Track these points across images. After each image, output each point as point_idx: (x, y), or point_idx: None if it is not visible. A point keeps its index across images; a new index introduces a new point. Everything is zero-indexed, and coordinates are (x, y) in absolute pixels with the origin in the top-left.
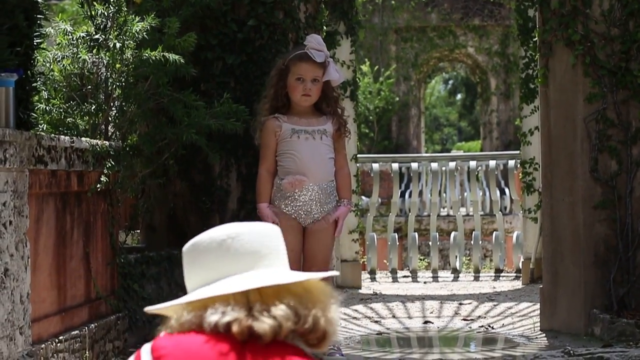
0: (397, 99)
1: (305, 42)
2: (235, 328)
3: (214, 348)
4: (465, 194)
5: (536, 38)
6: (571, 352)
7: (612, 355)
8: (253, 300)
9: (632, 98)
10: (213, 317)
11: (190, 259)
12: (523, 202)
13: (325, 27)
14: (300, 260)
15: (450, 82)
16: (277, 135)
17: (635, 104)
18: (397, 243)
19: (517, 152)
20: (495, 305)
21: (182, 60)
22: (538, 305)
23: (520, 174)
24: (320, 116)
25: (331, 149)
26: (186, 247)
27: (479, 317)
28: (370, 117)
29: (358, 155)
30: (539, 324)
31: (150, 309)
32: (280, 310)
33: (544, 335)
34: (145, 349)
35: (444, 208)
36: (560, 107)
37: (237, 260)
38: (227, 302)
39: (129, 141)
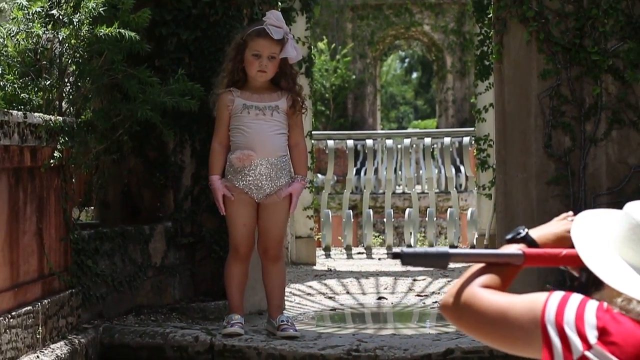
0: (354, 76)
1: (264, 17)
2: None
3: None
4: (421, 171)
5: (491, 15)
6: None
7: None
8: None
9: (586, 74)
10: None
11: None
12: (477, 179)
13: (280, 3)
14: (254, 234)
15: (407, 60)
16: (230, 110)
17: (589, 80)
18: (352, 220)
19: (472, 129)
20: (449, 281)
21: (136, 37)
22: None
23: (475, 151)
24: (275, 92)
25: (283, 125)
26: None
27: (433, 293)
28: (327, 95)
29: (313, 132)
30: None
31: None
32: None
33: None
34: (591, 312)
35: (399, 186)
36: (514, 83)
37: None
38: None
39: (83, 117)
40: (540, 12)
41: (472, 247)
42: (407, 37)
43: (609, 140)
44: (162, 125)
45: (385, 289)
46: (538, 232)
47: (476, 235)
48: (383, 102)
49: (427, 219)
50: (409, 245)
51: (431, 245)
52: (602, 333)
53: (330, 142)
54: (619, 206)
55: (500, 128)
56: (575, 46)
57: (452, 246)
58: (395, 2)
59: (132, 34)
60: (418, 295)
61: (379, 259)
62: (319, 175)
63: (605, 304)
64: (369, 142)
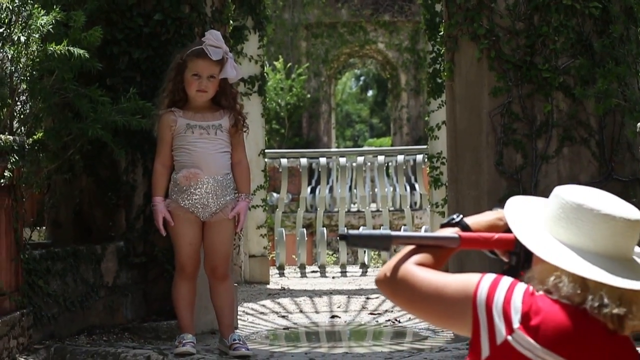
0: (309, 95)
1: (203, 38)
2: (612, 322)
3: (587, 332)
4: (376, 189)
5: (442, 33)
6: None
7: None
8: (628, 299)
9: (537, 92)
10: (595, 303)
11: (587, 218)
12: (430, 197)
13: (232, 22)
14: (199, 253)
15: (362, 78)
16: (172, 130)
17: (540, 97)
18: (306, 238)
19: (425, 147)
20: None
21: (87, 55)
22: None
23: (428, 169)
24: (217, 110)
25: (226, 144)
26: (589, 203)
27: (386, 311)
28: (282, 114)
29: (267, 151)
30: None
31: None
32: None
33: None
34: (518, 296)
35: (354, 204)
36: (465, 101)
37: (631, 246)
38: (600, 289)
39: (34, 136)
40: (491, 30)
41: None
42: (362, 55)
43: (561, 157)
44: (114, 145)
45: (339, 307)
46: (472, 219)
47: None
48: (338, 120)
49: None
50: (363, 264)
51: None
52: (525, 318)
53: (284, 161)
54: None
55: (452, 146)
56: (526, 63)
57: None
58: (350, 21)
59: (82, 51)
60: (371, 314)
61: (333, 277)
62: (274, 194)
63: (531, 288)
64: (323, 160)
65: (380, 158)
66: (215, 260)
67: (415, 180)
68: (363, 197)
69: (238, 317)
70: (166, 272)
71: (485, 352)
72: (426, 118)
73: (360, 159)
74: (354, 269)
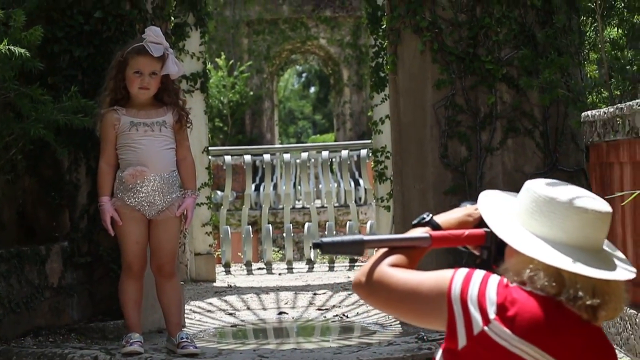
0: (251, 92)
1: (143, 34)
2: (587, 312)
3: (562, 322)
4: (320, 185)
5: (385, 26)
6: (425, 337)
7: None
8: (601, 290)
9: (481, 84)
10: (570, 295)
11: (559, 210)
12: (375, 191)
13: (173, 18)
14: (146, 252)
15: (304, 75)
16: (116, 128)
17: (484, 89)
18: (252, 236)
19: (369, 141)
20: (349, 294)
21: (27, 54)
22: None
23: (372, 164)
24: (160, 107)
25: (171, 140)
26: (561, 196)
27: (334, 306)
28: (224, 111)
29: (210, 148)
30: None
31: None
32: (614, 305)
33: (397, 322)
34: (492, 288)
35: (299, 200)
36: (409, 94)
37: (601, 238)
38: (575, 281)
39: None
40: (433, 22)
41: None
42: (304, 51)
43: (505, 149)
44: (56, 144)
45: (286, 303)
46: (441, 218)
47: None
48: (281, 117)
49: (326, 232)
50: (309, 260)
51: (331, 259)
52: (501, 309)
53: (228, 158)
54: None
55: (397, 139)
56: (469, 55)
57: (352, 260)
58: (291, 17)
59: (22, 50)
60: (319, 309)
61: (279, 274)
62: (218, 192)
63: (505, 280)
64: (267, 157)
65: (325, 154)
66: (162, 258)
67: (360, 176)
68: (308, 194)
69: (185, 315)
70: (112, 271)
71: (462, 342)
72: (369, 113)
73: (305, 155)
74: (300, 265)
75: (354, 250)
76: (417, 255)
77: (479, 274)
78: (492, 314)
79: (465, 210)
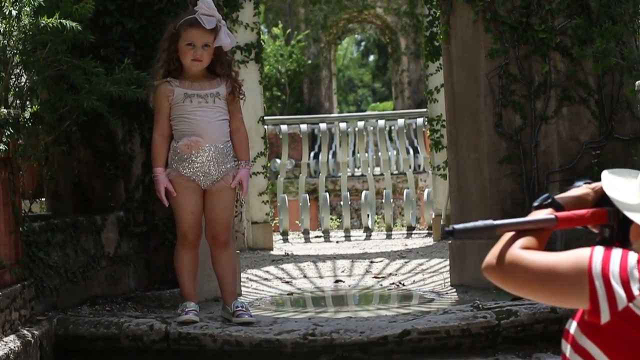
0: (309, 61)
1: (196, 7)
2: None
3: None
4: (379, 153)
5: None
6: (480, 305)
7: (521, 307)
8: None
9: (534, 52)
10: None
11: None
12: (432, 159)
13: None
14: (201, 221)
15: (363, 43)
16: (170, 100)
17: (537, 58)
18: (309, 204)
19: (425, 110)
20: (406, 262)
21: (79, 27)
22: (449, 261)
23: (428, 132)
24: (213, 79)
25: (225, 111)
26: None
27: (390, 274)
28: (282, 80)
29: (266, 118)
30: (449, 280)
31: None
32: None
33: (454, 290)
34: (633, 264)
35: (358, 168)
36: (462, 63)
37: None
38: None
39: (30, 109)
40: None
41: (430, 227)
42: (361, 21)
43: (560, 117)
44: (110, 115)
45: (343, 271)
46: (561, 197)
47: (433, 216)
48: (341, 85)
49: (383, 200)
50: (367, 228)
51: (389, 226)
52: None
53: (284, 127)
54: (572, 183)
55: (451, 108)
56: (522, 25)
57: (409, 227)
58: None
59: (74, 24)
60: (375, 277)
61: (337, 242)
62: (277, 160)
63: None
64: (323, 125)
65: (381, 122)
66: (217, 227)
67: (417, 144)
68: (365, 162)
69: (241, 284)
70: (167, 240)
71: (606, 317)
72: (426, 81)
73: (361, 124)
74: (358, 233)
75: (485, 234)
76: (544, 237)
77: (617, 251)
78: (636, 290)
79: (582, 190)
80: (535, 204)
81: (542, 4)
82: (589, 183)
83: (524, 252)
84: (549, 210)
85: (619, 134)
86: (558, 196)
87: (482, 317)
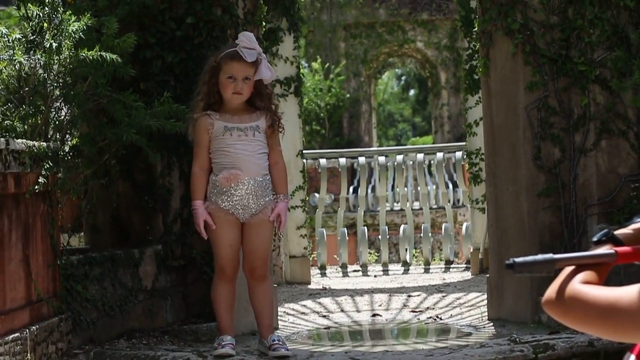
0: (348, 95)
1: (237, 40)
2: None
3: None
4: (419, 187)
5: (477, 28)
6: (517, 339)
7: (558, 341)
8: None
9: (573, 85)
10: None
11: None
12: (470, 193)
13: (265, 23)
14: (239, 255)
15: (403, 78)
16: (210, 133)
17: (577, 91)
18: (347, 238)
19: (464, 143)
20: (444, 296)
21: (119, 60)
22: (486, 295)
23: (467, 166)
24: (253, 112)
25: (264, 145)
26: None
27: (428, 308)
28: (322, 114)
29: (305, 152)
30: (486, 314)
31: None
32: None
33: (491, 324)
34: None
35: (397, 202)
36: (501, 96)
37: None
38: None
39: (69, 142)
40: (525, 24)
41: (468, 261)
42: (401, 55)
43: (599, 150)
44: (149, 149)
45: (380, 305)
46: (620, 232)
47: (471, 249)
48: (381, 120)
49: (422, 235)
50: (405, 262)
51: (427, 260)
52: None
53: (323, 161)
54: (611, 216)
55: (489, 141)
56: (562, 57)
57: (447, 261)
58: (388, 20)
59: (114, 56)
60: (413, 311)
61: (375, 276)
62: (316, 194)
63: None
64: (362, 159)
65: (420, 156)
66: (255, 261)
67: (456, 177)
68: (404, 196)
69: (279, 317)
70: (205, 274)
71: None
72: (465, 115)
73: (400, 158)
74: (396, 267)
75: (544, 268)
76: (604, 272)
77: None
78: None
79: None
80: (595, 239)
81: (582, 37)
82: None
83: (584, 287)
84: (609, 245)
85: None
86: (618, 231)
87: (519, 350)
